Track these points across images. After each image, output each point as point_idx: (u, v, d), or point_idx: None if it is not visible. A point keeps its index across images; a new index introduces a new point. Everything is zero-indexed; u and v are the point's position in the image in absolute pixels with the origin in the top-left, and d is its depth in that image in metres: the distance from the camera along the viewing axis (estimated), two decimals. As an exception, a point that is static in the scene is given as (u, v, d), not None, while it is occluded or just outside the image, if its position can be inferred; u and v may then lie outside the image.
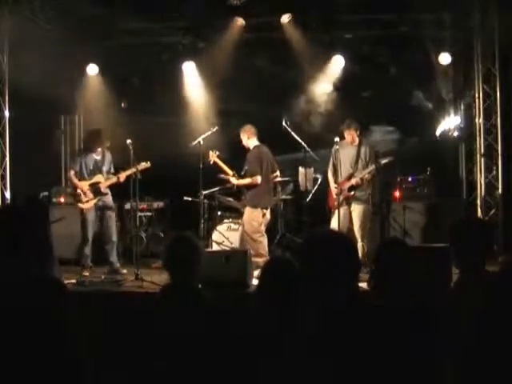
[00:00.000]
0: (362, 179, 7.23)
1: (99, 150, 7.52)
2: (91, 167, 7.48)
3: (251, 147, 7.31)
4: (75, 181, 7.44)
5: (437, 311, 2.60)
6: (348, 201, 7.31)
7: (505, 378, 2.23)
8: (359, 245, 7.02)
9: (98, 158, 7.53)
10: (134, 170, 7.25)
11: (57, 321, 2.13)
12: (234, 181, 7.47)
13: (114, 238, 7.54)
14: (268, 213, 8.39)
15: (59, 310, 2.16)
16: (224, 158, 7.80)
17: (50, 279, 2.29)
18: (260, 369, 2.32)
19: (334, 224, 7.19)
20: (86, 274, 7.24)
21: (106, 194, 7.48)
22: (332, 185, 7.41)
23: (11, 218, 2.51)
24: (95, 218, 7.46)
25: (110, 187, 7.57)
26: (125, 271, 7.30)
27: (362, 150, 7.36)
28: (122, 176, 7.35)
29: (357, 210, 7.27)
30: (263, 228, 7.24)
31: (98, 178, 7.45)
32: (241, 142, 7.46)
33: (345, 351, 2.17)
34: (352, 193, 7.26)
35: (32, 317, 2.10)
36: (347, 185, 7.26)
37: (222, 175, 7.59)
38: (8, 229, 2.48)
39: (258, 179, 7.12)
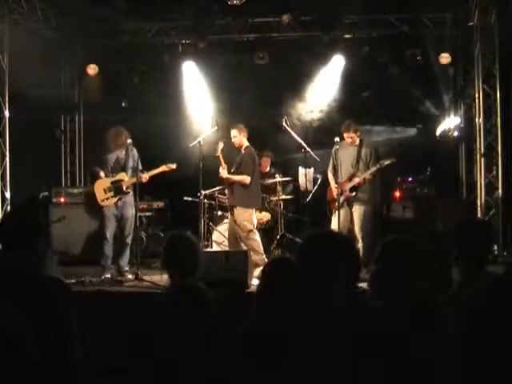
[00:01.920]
0: (364, 179, 7.21)
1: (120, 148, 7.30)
2: (112, 165, 7.29)
3: (244, 146, 7.30)
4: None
5: (437, 311, 2.60)
6: (349, 201, 7.29)
7: (505, 377, 2.23)
8: (360, 245, 7.02)
9: (121, 155, 7.30)
10: (159, 170, 7.19)
11: (60, 320, 2.13)
12: (224, 173, 7.27)
13: (129, 240, 7.27)
14: (267, 214, 8.44)
15: (62, 309, 2.16)
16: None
17: (52, 279, 2.29)
18: (262, 369, 2.31)
19: (334, 224, 7.18)
20: (108, 275, 7.00)
21: (127, 193, 7.24)
22: (333, 185, 7.39)
23: (17, 219, 2.51)
24: (115, 216, 7.23)
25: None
26: (129, 276, 7.01)
27: (363, 150, 7.34)
28: (145, 176, 7.15)
29: (358, 210, 7.25)
30: (254, 226, 7.21)
31: (121, 175, 7.23)
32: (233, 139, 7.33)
33: (345, 351, 2.17)
34: (354, 193, 7.24)
35: (35, 317, 2.10)
36: (349, 185, 7.24)
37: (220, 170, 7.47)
38: (12, 229, 2.49)
39: (248, 179, 7.12)
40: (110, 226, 7.20)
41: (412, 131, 9.80)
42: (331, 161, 7.44)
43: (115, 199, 7.21)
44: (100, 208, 7.31)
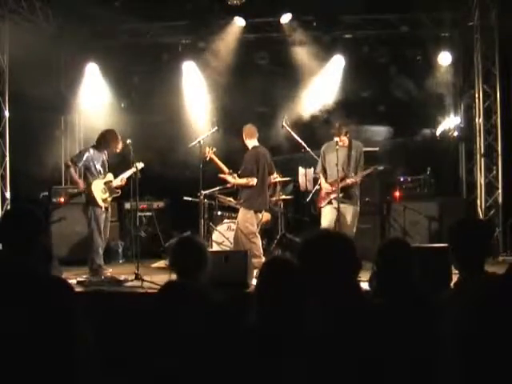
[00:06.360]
0: (356, 181, 7.14)
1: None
2: (100, 167, 7.29)
3: (249, 147, 7.26)
4: (76, 177, 7.25)
5: (437, 311, 2.60)
6: (337, 200, 7.20)
7: (505, 377, 2.23)
8: None
9: (105, 157, 7.39)
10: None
11: (67, 321, 2.13)
12: (230, 179, 7.35)
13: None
14: (267, 214, 8.41)
15: (69, 309, 2.16)
16: (223, 157, 7.76)
17: (55, 278, 2.29)
18: (263, 368, 2.31)
19: (324, 222, 7.11)
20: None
21: (118, 193, 7.41)
22: (324, 185, 7.28)
23: (21, 219, 2.52)
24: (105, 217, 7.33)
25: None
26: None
27: (353, 151, 7.25)
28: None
29: (348, 210, 7.13)
30: (256, 229, 7.17)
31: (109, 176, 7.35)
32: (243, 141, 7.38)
33: (345, 350, 2.17)
34: (341, 194, 7.13)
35: (40, 317, 2.10)
36: (340, 186, 7.15)
37: (221, 175, 7.52)
38: (11, 229, 2.50)
39: (254, 181, 7.06)
40: (102, 226, 7.20)
41: (412, 131, 9.79)
42: (320, 162, 7.36)
43: (110, 199, 7.35)
44: (95, 209, 7.17)
